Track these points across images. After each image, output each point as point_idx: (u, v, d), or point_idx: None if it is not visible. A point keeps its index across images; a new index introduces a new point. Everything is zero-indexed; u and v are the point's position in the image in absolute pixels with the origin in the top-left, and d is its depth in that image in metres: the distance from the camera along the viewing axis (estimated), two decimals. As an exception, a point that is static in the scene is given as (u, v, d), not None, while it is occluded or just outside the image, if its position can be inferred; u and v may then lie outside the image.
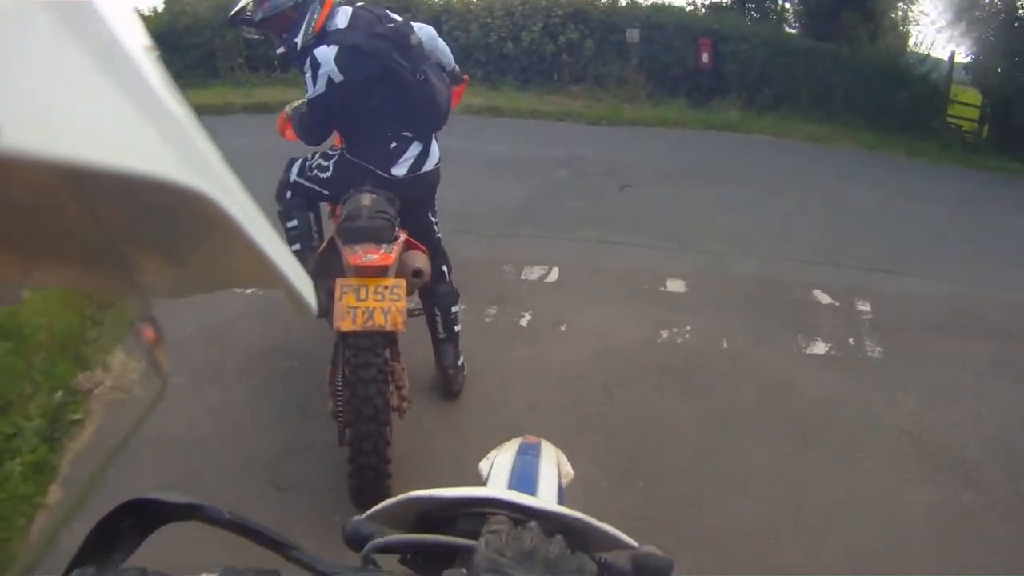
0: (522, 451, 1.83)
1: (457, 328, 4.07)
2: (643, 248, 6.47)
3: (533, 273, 5.75)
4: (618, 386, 4.39)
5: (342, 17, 3.57)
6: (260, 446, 3.78)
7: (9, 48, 0.38)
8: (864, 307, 5.65)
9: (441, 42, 4.03)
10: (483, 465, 1.84)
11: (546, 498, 1.62)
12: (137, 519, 0.96)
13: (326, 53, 3.49)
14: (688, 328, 5.06)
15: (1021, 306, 5.99)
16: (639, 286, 5.69)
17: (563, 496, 1.73)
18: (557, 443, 3.74)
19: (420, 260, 3.55)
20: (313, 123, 3.78)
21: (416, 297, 4.03)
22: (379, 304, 3.16)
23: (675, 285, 5.74)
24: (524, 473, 1.73)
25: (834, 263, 6.51)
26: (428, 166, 3.78)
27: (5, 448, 3.44)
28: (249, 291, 5.08)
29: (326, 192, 3.87)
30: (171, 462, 3.63)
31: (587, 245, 6.46)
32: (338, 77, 3.48)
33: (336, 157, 3.84)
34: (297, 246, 3.91)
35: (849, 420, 4.24)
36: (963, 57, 16.92)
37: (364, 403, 3.09)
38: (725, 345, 4.91)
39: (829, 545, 3.34)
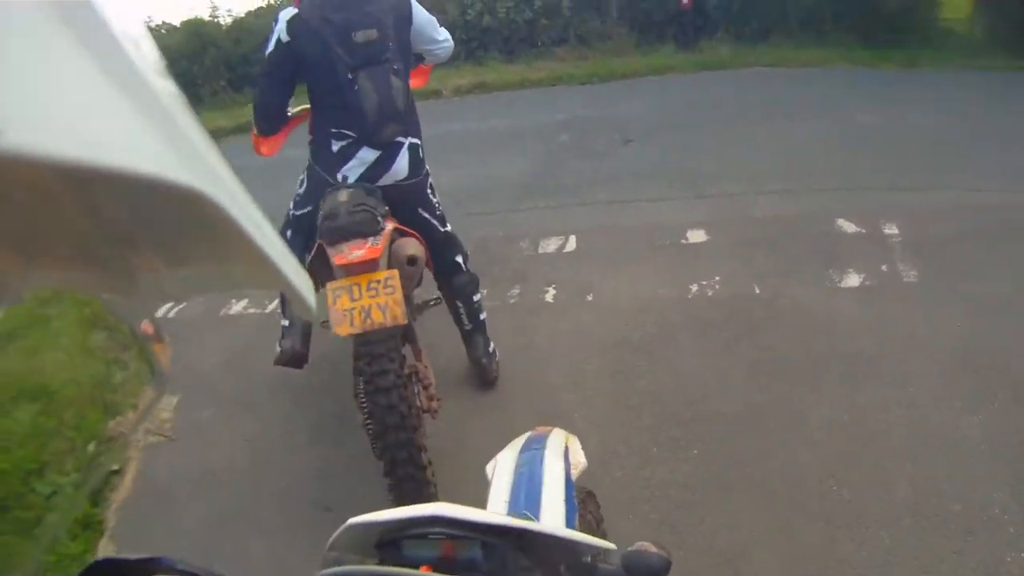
0: (526, 447, 1.81)
1: (483, 316, 3.95)
2: (657, 202, 6.34)
3: (550, 245, 5.65)
4: (657, 348, 4.29)
5: None
6: (300, 468, 3.72)
7: (9, 48, 0.38)
8: (891, 230, 5.49)
9: (441, 35, 3.82)
10: (489, 467, 1.82)
11: (551, 495, 1.60)
12: None
13: (286, 13, 3.37)
14: (717, 278, 4.94)
15: None
16: (660, 242, 5.56)
17: (571, 488, 1.69)
18: (600, 419, 3.69)
19: (412, 247, 3.38)
20: (259, 93, 3.65)
21: (435, 288, 3.92)
22: (374, 300, 3.02)
23: (696, 235, 5.60)
24: (527, 471, 1.71)
25: (853, 188, 6.34)
26: (392, 178, 3.53)
27: (47, 509, 3.39)
28: (268, 312, 5.03)
29: (306, 209, 3.66)
30: (216, 496, 3.60)
31: (600, 208, 6.33)
32: (285, 38, 3.35)
33: (306, 168, 3.69)
34: None
35: (896, 350, 4.11)
36: None
37: (388, 412, 2.95)
38: (757, 290, 4.78)
39: (894, 483, 3.25)
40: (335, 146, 3.48)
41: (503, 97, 11.30)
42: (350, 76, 3.33)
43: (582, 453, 1.82)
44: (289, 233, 3.71)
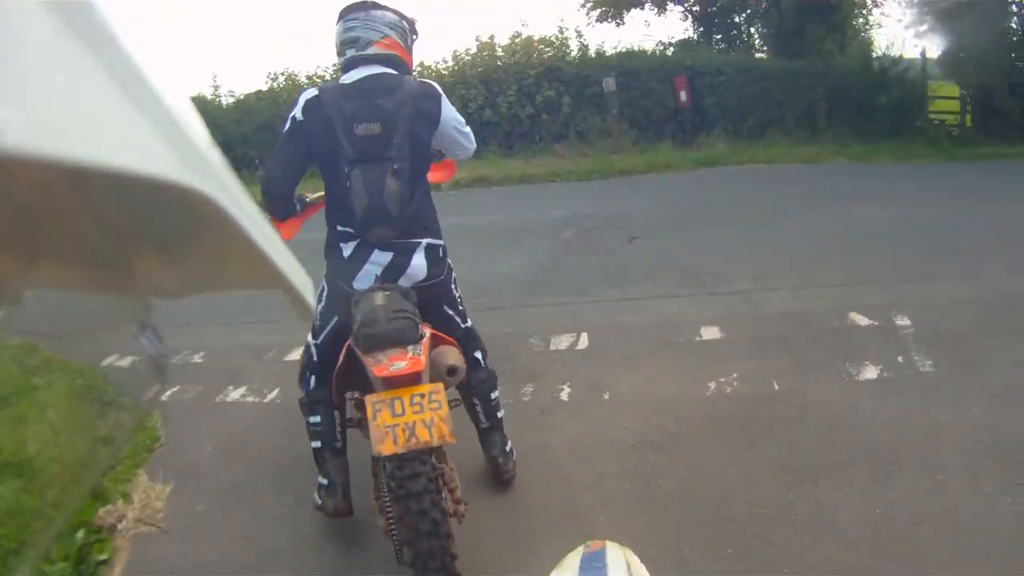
0: (585, 565, 1.66)
1: (500, 414, 3.83)
2: (668, 299, 6.36)
3: (562, 342, 5.60)
4: (678, 446, 4.20)
5: (352, 74, 3.36)
6: (308, 573, 3.54)
7: (10, 49, 0.38)
8: (903, 321, 5.52)
9: (463, 134, 3.62)
10: None
11: None
12: None
13: (308, 93, 3.35)
14: (734, 375, 4.89)
15: None
16: (674, 339, 5.54)
17: None
18: (626, 520, 3.59)
19: (453, 356, 3.25)
20: (267, 166, 3.59)
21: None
22: (419, 416, 2.82)
23: (710, 332, 5.59)
24: None
25: (862, 282, 6.39)
26: (410, 280, 3.39)
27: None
28: (267, 400, 4.94)
29: (332, 323, 3.48)
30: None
31: (610, 304, 6.34)
32: (300, 116, 3.30)
33: (324, 276, 3.54)
34: (317, 444, 3.52)
35: (921, 441, 4.06)
36: (934, 52, 17.14)
37: (420, 518, 2.79)
38: (776, 387, 4.73)
39: (932, 574, 3.16)
40: (346, 250, 3.40)
41: (503, 191, 11.42)
42: (347, 170, 3.24)
43: (644, 568, 1.74)
44: (311, 380, 3.56)
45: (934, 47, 17.44)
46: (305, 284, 0.71)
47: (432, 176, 3.68)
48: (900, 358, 4.98)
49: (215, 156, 0.57)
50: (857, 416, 4.35)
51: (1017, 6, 16.73)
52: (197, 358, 5.84)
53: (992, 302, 5.78)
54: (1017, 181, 10.50)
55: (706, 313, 5.94)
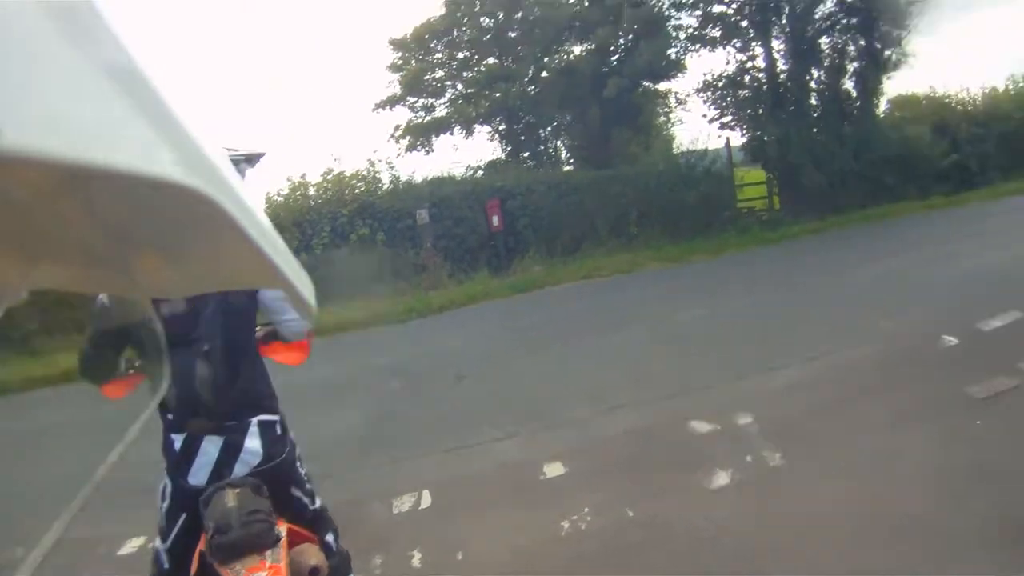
0: None
1: None
2: (506, 440, 6.15)
3: (404, 503, 5.23)
4: (543, 597, 3.92)
5: None
6: None
7: (9, 49, 0.37)
8: (745, 419, 5.59)
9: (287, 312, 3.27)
10: None
11: None
12: None
13: None
14: (586, 509, 4.68)
15: (881, 358, 6.43)
16: (519, 481, 5.30)
17: None
18: None
19: (314, 555, 2.94)
20: (83, 349, 3.17)
21: None
22: None
23: (553, 469, 5.38)
24: None
25: (696, 387, 6.46)
26: (247, 466, 3.03)
27: None
28: None
29: (178, 523, 3.04)
30: None
31: (448, 455, 6.03)
32: (105, 302, 2.97)
33: (165, 471, 3.11)
34: None
35: (789, 533, 4.04)
36: (738, 140, 18.69)
37: None
38: (631, 513, 4.56)
39: None
40: (176, 442, 2.99)
41: (322, 344, 11.07)
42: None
43: None
44: (165, 564, 3.07)
45: (738, 135, 19.03)
46: (306, 284, 0.73)
47: (280, 357, 3.38)
48: (748, 457, 5.00)
49: (216, 156, 0.57)
50: (721, 527, 4.26)
51: (816, 83, 18.18)
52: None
53: (821, 381, 6.04)
54: (829, 255, 11.25)
55: (547, 448, 5.76)
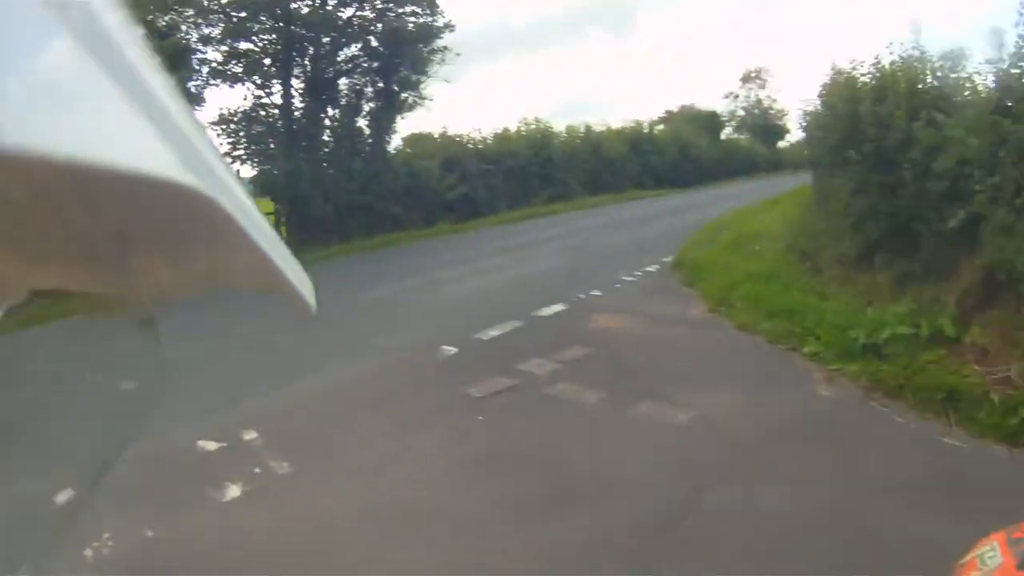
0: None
1: None
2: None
3: None
4: None
5: None
6: None
7: (9, 48, 0.38)
8: (250, 435, 5.69)
9: None
10: None
11: None
12: None
13: None
14: (106, 535, 4.47)
15: (383, 371, 6.89)
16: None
17: None
18: None
19: None
20: None
21: None
22: None
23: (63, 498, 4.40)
24: None
25: (201, 410, 6.03)
26: None
27: None
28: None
29: None
30: None
31: None
32: None
33: None
34: None
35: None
36: (250, 173, 19.26)
37: None
38: (151, 534, 4.52)
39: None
40: None
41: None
42: None
43: None
44: None
45: (249, 167, 19.61)
46: (306, 285, 0.71)
47: None
48: (257, 469, 5.09)
49: (216, 156, 0.58)
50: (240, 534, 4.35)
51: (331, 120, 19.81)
52: None
53: (329, 395, 6.36)
54: (335, 280, 12.08)
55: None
